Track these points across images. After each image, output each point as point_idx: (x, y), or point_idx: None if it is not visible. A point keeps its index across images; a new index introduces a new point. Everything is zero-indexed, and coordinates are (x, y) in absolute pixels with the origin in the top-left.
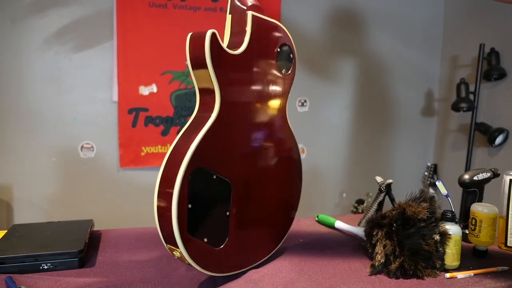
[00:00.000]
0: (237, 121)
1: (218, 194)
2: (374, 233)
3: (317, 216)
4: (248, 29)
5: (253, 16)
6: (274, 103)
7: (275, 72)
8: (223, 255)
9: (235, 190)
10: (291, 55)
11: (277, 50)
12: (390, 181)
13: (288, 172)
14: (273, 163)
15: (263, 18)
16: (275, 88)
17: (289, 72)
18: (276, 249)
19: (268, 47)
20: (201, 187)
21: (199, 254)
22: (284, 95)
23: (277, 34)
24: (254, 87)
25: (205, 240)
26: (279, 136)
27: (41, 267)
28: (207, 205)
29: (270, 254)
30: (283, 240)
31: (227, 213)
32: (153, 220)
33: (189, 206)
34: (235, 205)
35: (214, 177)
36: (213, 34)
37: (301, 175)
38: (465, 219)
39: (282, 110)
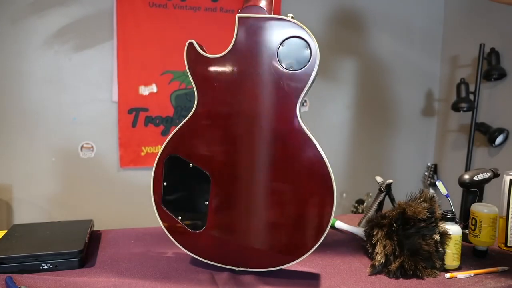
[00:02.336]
0: (217, 120)
1: (195, 182)
2: (374, 233)
3: None
4: (235, 31)
5: (239, 18)
6: (270, 104)
7: (274, 70)
8: (200, 240)
9: (216, 184)
10: (306, 49)
11: (281, 46)
12: (390, 181)
13: (298, 187)
14: (273, 173)
15: (257, 17)
16: (273, 88)
17: (301, 68)
18: (273, 269)
19: (265, 45)
20: (176, 170)
21: (173, 228)
22: (289, 94)
23: (278, 29)
24: (241, 88)
25: (179, 218)
26: (280, 141)
27: (41, 267)
28: (182, 188)
29: (264, 270)
30: (287, 265)
31: (206, 203)
32: (153, 220)
33: (164, 183)
34: (216, 199)
35: (191, 165)
36: (190, 43)
37: (328, 197)
38: (465, 219)
39: (284, 111)
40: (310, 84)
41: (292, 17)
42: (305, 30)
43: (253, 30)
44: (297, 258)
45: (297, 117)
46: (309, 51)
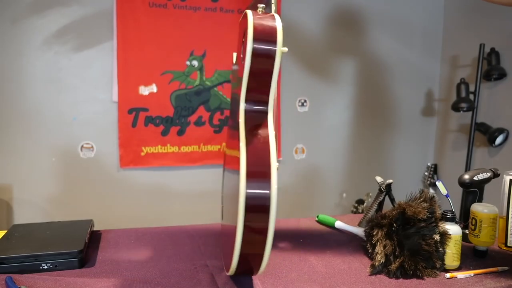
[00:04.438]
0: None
1: (229, 178)
2: (374, 233)
3: (317, 216)
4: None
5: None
6: (235, 102)
7: (239, 69)
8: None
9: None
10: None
11: (242, 41)
12: (390, 181)
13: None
14: (230, 178)
15: (242, 21)
16: (234, 85)
17: (243, 63)
18: (226, 273)
19: (244, 43)
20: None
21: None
22: (237, 93)
23: (245, 24)
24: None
25: (222, 207)
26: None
27: (41, 267)
28: (226, 182)
29: (227, 273)
30: (228, 273)
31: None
32: (153, 220)
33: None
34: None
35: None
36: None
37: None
38: (465, 219)
39: (234, 111)
40: (247, 80)
41: (262, 8)
42: (248, 21)
43: (242, 32)
44: (238, 271)
45: (239, 115)
46: (247, 43)
